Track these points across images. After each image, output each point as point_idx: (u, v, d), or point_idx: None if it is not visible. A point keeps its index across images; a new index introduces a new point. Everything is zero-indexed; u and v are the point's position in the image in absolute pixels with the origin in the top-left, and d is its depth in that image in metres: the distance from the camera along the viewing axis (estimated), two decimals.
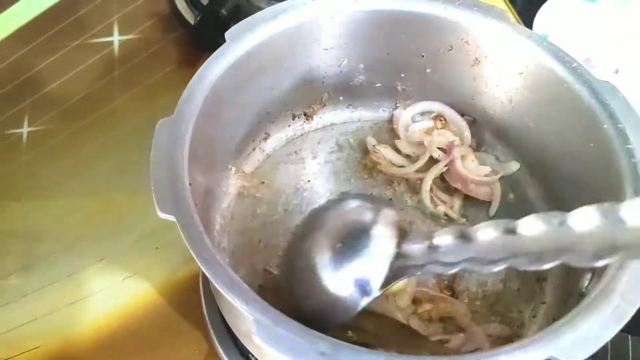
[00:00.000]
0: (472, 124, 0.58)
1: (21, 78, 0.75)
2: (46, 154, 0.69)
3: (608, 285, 0.36)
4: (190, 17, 0.77)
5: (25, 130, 0.71)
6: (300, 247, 0.42)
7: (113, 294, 0.58)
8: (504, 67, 0.52)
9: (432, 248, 0.37)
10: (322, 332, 0.34)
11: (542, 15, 0.81)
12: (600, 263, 0.30)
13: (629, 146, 0.42)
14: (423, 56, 0.55)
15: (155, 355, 0.54)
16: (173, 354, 0.55)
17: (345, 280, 0.39)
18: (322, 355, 0.32)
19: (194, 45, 0.76)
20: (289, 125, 0.58)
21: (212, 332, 0.53)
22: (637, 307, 0.34)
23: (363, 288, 0.39)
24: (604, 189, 0.44)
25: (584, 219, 0.30)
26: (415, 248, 0.38)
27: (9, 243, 0.61)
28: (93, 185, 0.66)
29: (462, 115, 0.58)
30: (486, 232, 0.34)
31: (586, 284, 0.40)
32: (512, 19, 0.51)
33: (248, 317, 0.33)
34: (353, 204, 0.44)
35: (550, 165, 0.52)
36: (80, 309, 0.57)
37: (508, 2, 0.84)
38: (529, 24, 0.80)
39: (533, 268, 0.32)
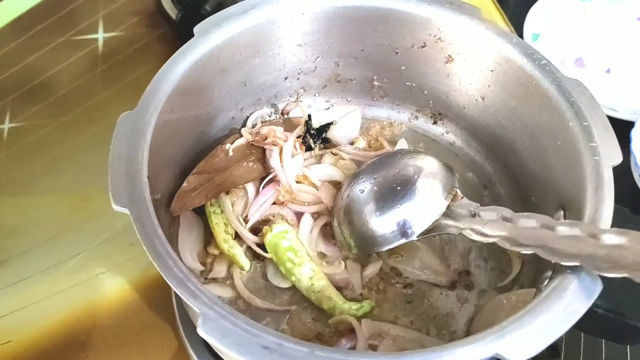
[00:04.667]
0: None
1: (5, 74, 0.75)
2: (26, 150, 0.69)
3: (561, 283, 0.35)
4: (174, 14, 0.77)
5: (6, 126, 0.71)
6: (364, 184, 0.47)
7: (86, 289, 0.58)
8: (476, 64, 0.52)
9: (475, 217, 0.43)
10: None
11: (534, 14, 0.80)
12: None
13: (593, 144, 0.41)
14: (397, 53, 0.55)
15: (126, 350, 0.54)
16: (143, 349, 0.54)
17: (392, 217, 0.45)
18: (266, 349, 0.32)
19: (178, 42, 0.76)
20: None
21: (181, 328, 0.53)
22: (585, 308, 0.34)
23: (405, 230, 0.45)
24: (567, 187, 0.43)
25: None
26: (460, 211, 0.44)
27: None
28: (71, 182, 0.66)
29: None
30: (528, 221, 0.40)
31: (545, 282, 0.39)
32: (483, 16, 0.50)
33: (195, 310, 0.33)
34: (425, 158, 0.48)
35: (522, 163, 0.51)
36: (53, 304, 0.57)
37: (496, 2, 0.84)
38: (520, 22, 0.79)
39: (556, 260, 0.37)
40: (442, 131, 0.59)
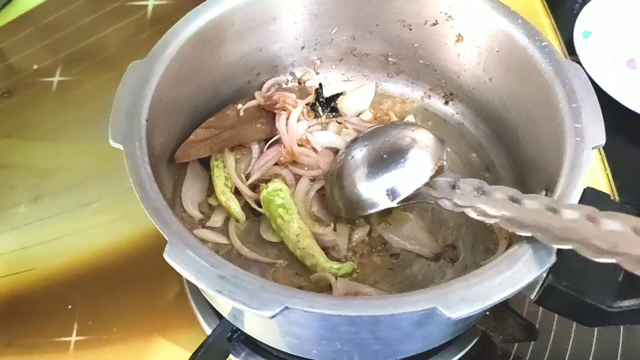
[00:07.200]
0: None
1: (61, 33, 0.82)
2: (71, 102, 0.75)
3: (516, 252, 0.36)
4: None
5: (56, 79, 0.77)
6: (355, 151, 0.49)
7: (104, 231, 0.63)
8: (483, 44, 0.52)
9: (454, 188, 0.45)
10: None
11: (588, 11, 0.78)
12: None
13: (578, 125, 0.41)
14: (411, 29, 0.56)
15: (132, 291, 0.58)
16: (148, 291, 0.58)
17: (377, 183, 0.47)
18: (222, 279, 0.34)
19: None
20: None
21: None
22: (533, 277, 0.34)
23: (388, 195, 0.47)
24: (553, 167, 0.43)
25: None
26: (441, 182, 0.46)
27: (24, 176, 0.68)
28: (106, 133, 0.70)
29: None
30: (499, 193, 0.41)
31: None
32: None
33: (165, 238, 0.36)
34: (417, 130, 0.49)
35: (523, 149, 0.51)
36: (75, 241, 0.62)
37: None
38: (573, 19, 0.78)
39: (513, 230, 0.38)
40: (452, 112, 0.59)
